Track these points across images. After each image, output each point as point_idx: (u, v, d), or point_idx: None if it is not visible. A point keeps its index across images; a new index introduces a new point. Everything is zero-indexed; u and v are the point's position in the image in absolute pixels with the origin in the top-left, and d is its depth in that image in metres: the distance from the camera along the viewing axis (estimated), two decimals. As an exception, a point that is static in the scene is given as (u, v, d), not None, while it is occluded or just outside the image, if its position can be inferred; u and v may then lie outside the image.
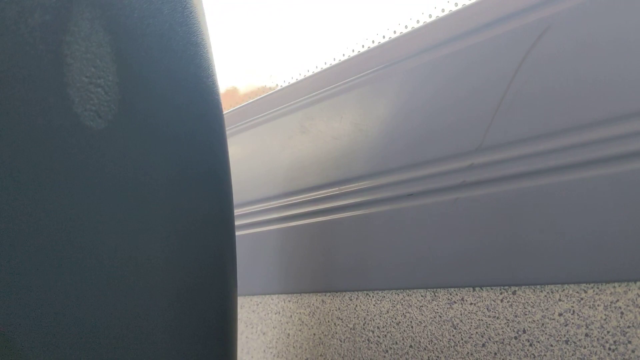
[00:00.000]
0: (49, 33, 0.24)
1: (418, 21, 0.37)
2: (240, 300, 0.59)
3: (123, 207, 0.27)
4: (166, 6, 0.30)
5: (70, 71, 0.25)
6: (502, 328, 0.36)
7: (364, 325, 0.45)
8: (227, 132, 0.56)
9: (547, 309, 0.35)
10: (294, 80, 0.48)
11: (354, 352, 0.45)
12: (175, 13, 0.30)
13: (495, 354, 0.37)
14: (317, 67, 0.47)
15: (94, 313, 0.25)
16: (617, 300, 0.32)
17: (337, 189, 0.45)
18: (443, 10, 0.36)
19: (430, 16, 0.37)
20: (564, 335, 0.34)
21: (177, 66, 0.30)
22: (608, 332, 0.32)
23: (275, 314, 0.54)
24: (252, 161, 0.54)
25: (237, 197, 0.55)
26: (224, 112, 0.56)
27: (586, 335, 0.33)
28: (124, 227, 0.27)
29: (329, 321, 0.48)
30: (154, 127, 0.29)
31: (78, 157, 0.25)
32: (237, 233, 0.56)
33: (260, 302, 0.56)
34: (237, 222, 0.56)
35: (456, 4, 0.35)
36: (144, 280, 0.27)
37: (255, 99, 0.53)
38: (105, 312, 0.25)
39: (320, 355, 0.48)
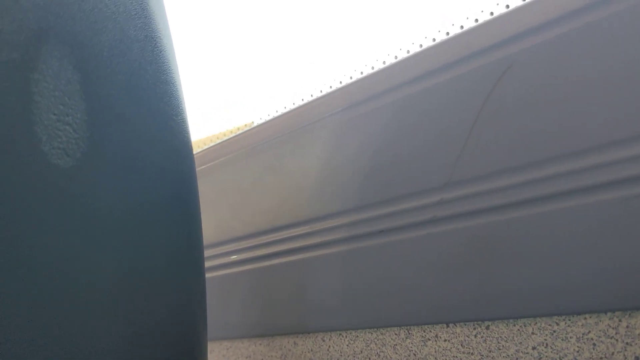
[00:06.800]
0: (16, 71, 0.23)
1: (384, 62, 0.38)
2: (210, 346, 0.57)
3: (88, 247, 0.26)
4: (136, 45, 0.30)
5: (38, 109, 0.24)
6: (477, 364, 0.36)
7: (337, 366, 0.44)
8: (198, 171, 0.55)
9: (520, 343, 0.35)
10: (267, 118, 0.49)
11: (328, 395, 0.44)
12: (144, 52, 0.30)
13: (471, 391, 0.36)
14: (293, 103, 0.48)
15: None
16: (589, 332, 0.32)
17: (308, 227, 0.45)
18: (408, 52, 0.38)
19: (395, 57, 0.38)
20: (539, 369, 0.34)
21: (146, 104, 0.30)
22: (581, 364, 0.32)
23: (246, 358, 0.52)
24: (223, 200, 0.53)
25: (207, 238, 0.54)
26: (195, 151, 0.55)
27: (560, 368, 0.33)
28: (87, 269, 0.26)
29: (301, 364, 0.47)
30: (122, 166, 0.29)
31: (45, 195, 0.24)
32: (207, 275, 0.55)
33: (231, 347, 0.54)
34: (207, 264, 0.55)
35: (421, 45, 0.37)
36: (103, 322, 0.26)
37: (226, 137, 0.53)
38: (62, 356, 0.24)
39: (293, 399, 0.47)
